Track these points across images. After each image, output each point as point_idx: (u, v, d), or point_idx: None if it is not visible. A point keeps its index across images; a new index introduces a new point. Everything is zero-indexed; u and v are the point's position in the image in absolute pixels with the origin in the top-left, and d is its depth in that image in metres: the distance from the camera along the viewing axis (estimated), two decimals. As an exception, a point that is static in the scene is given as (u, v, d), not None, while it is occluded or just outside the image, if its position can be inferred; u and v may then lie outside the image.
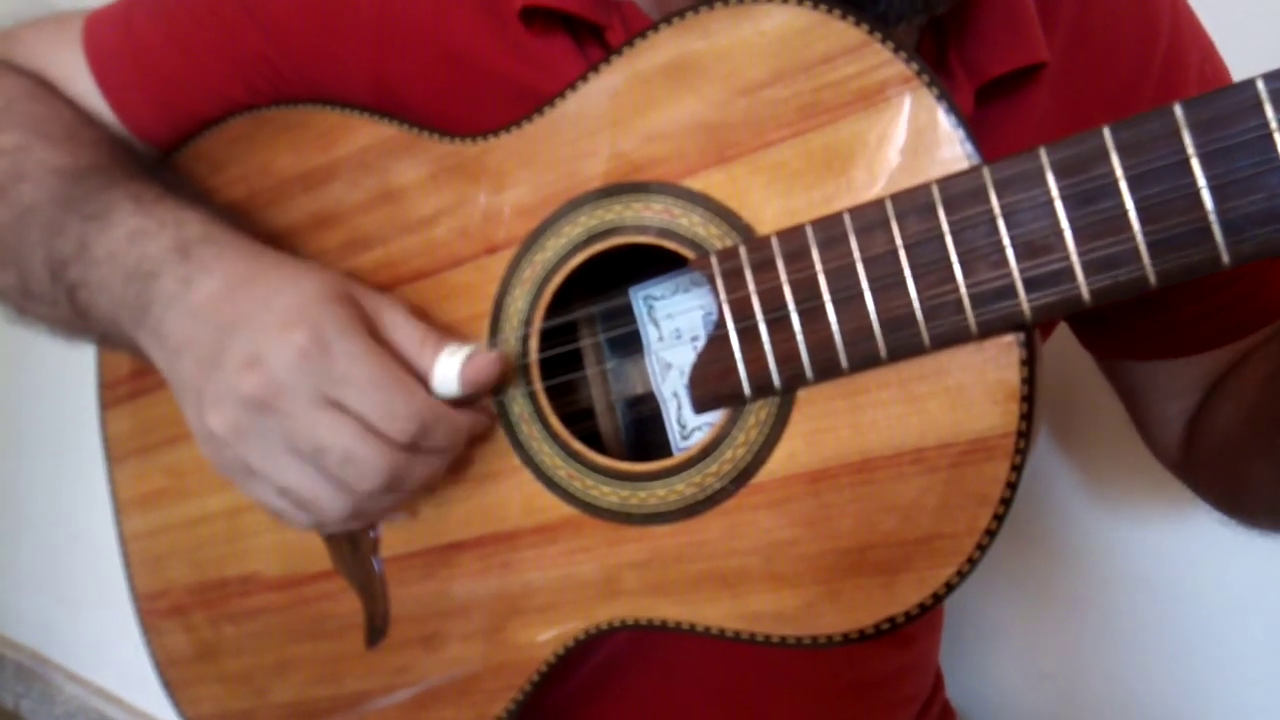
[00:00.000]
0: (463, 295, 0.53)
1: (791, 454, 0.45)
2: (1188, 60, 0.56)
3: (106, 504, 0.69)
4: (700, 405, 0.47)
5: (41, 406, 1.66)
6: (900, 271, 0.41)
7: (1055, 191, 0.39)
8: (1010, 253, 0.39)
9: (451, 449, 0.49)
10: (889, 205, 0.41)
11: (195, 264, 0.49)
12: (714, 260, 0.45)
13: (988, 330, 0.40)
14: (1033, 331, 0.41)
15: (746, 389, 0.45)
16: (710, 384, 0.46)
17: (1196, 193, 0.36)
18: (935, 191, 0.41)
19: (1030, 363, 0.41)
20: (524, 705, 0.53)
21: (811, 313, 0.43)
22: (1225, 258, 0.36)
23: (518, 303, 0.51)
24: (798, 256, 0.43)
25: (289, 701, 0.61)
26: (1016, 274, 0.39)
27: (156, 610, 0.67)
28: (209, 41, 0.58)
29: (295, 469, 0.46)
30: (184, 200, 0.53)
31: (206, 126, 0.61)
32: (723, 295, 0.45)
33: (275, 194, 0.59)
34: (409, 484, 0.48)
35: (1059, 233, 0.39)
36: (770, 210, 0.45)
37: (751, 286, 0.44)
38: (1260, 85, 0.35)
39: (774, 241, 0.44)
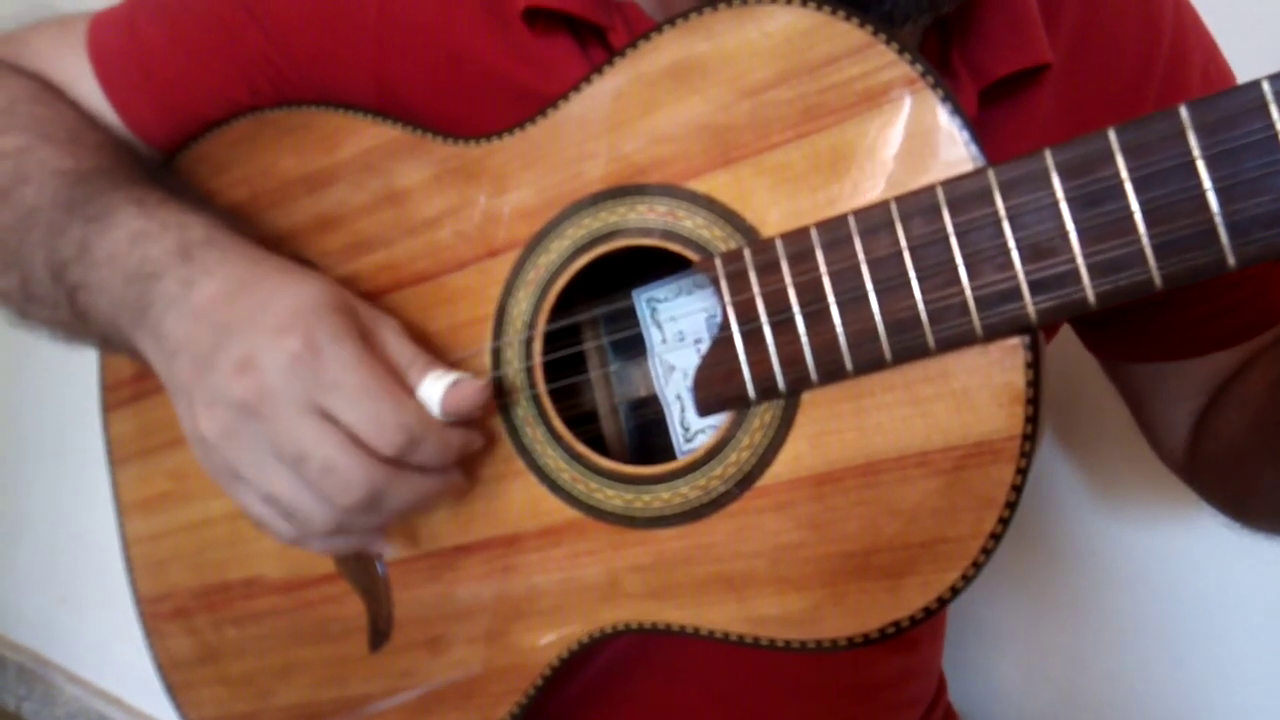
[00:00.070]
0: (465, 298, 0.53)
1: (796, 457, 0.45)
2: (1191, 61, 0.56)
3: (108, 505, 0.68)
4: (704, 408, 0.46)
5: (43, 408, 1.66)
6: (905, 274, 0.41)
7: (1060, 193, 0.38)
8: (1015, 255, 0.39)
9: (440, 469, 0.48)
10: (894, 207, 0.41)
11: (197, 266, 0.49)
12: (718, 262, 0.45)
13: (993, 333, 0.40)
14: (1038, 334, 0.41)
15: (751, 392, 0.45)
16: (714, 386, 0.46)
17: (1202, 195, 0.36)
18: (940, 193, 0.41)
19: (1035, 365, 0.41)
20: (528, 709, 0.53)
21: (816, 315, 0.43)
22: (1231, 260, 0.36)
23: (521, 305, 0.51)
24: (802, 259, 0.43)
25: (292, 704, 0.61)
26: (1022, 276, 0.39)
27: (159, 613, 0.67)
28: (212, 44, 0.58)
29: (279, 476, 0.46)
30: (187, 204, 0.53)
31: (209, 128, 0.61)
32: (727, 298, 0.45)
33: (278, 196, 0.59)
34: (392, 503, 0.47)
35: (1064, 235, 0.38)
36: (774, 212, 0.45)
37: (756, 289, 0.44)
38: (1266, 86, 0.35)
39: (778, 244, 0.44)
